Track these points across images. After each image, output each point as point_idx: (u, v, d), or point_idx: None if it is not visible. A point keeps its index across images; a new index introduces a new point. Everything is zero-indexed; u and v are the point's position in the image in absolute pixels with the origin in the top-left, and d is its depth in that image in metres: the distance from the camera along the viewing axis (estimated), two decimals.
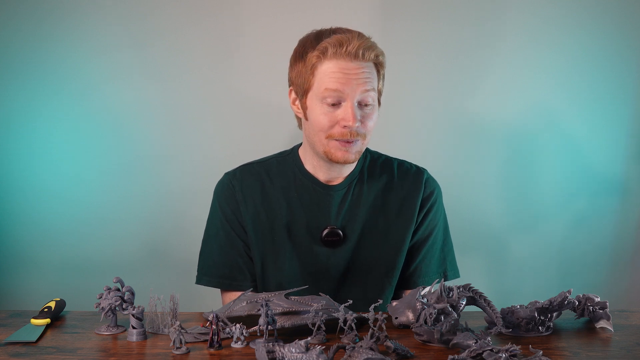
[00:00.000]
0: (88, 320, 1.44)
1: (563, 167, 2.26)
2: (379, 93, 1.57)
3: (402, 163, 1.71)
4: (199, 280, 1.67)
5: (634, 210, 2.30)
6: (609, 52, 2.21)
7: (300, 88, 1.56)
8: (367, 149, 1.70)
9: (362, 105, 1.52)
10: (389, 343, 1.21)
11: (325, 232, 1.61)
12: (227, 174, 1.69)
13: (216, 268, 1.65)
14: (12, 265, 2.18)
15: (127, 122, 2.16)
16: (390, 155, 1.73)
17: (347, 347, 1.16)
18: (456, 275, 1.70)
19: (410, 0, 2.16)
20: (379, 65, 1.54)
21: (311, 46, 1.53)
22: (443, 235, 1.70)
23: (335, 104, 1.51)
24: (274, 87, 2.01)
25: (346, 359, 1.15)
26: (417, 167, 1.71)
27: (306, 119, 1.58)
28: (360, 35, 1.52)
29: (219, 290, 1.70)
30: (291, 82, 1.60)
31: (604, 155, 2.26)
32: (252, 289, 1.60)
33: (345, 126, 1.51)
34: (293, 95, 1.61)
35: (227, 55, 2.16)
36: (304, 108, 1.57)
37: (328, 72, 1.50)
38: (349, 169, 1.64)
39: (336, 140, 1.53)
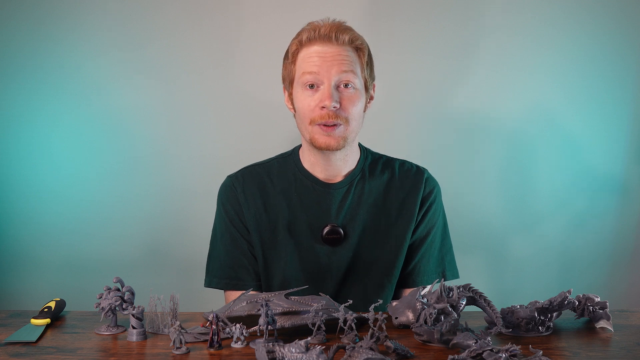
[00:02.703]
0: (88, 320, 1.44)
1: (563, 167, 2.26)
2: (365, 80, 1.59)
3: (403, 163, 1.71)
4: (209, 284, 1.67)
5: (634, 210, 2.30)
6: (608, 51, 2.21)
7: (287, 81, 1.61)
8: (368, 150, 1.71)
9: (341, 87, 1.54)
10: (389, 343, 1.20)
11: (325, 230, 1.62)
12: (229, 177, 1.69)
13: (224, 270, 1.65)
14: (12, 265, 2.18)
15: (127, 122, 2.16)
16: (391, 156, 1.73)
17: (347, 347, 1.16)
18: (455, 275, 1.70)
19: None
20: (359, 51, 1.57)
21: (293, 39, 1.59)
22: (442, 234, 1.70)
23: (315, 88, 1.54)
24: (274, 86, 2.00)
25: (346, 359, 1.15)
26: (417, 166, 1.72)
27: (294, 111, 1.61)
28: (336, 21, 1.57)
29: (221, 290, 1.70)
30: (283, 79, 1.64)
31: (604, 155, 2.26)
32: (252, 288, 1.61)
33: (323, 107, 1.53)
34: (285, 92, 1.64)
35: (228, 55, 2.16)
36: (292, 100, 1.61)
37: (306, 57, 1.55)
38: (347, 166, 1.64)
39: (318, 125, 1.55)
